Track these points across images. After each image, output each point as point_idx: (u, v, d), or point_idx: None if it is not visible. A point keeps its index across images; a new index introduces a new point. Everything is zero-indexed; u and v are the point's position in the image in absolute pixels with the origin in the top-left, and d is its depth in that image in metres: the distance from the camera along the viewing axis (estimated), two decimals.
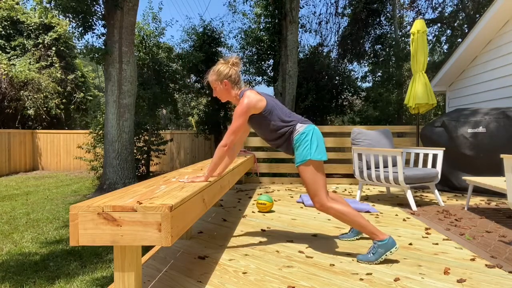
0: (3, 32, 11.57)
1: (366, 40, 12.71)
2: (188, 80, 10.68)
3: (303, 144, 2.13)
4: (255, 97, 2.14)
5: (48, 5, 6.41)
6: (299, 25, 11.08)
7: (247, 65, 10.94)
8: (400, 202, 4.02)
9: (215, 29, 10.90)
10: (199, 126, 10.86)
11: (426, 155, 5.56)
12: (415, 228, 2.88)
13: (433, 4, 13.86)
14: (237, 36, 10.95)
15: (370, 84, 13.66)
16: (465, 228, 2.85)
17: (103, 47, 6.56)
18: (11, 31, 11.68)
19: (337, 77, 10.97)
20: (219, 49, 11.14)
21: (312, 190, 2.13)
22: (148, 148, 8.68)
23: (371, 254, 2.06)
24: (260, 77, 11.12)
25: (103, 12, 6.52)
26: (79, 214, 1.39)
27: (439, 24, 14.07)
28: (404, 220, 3.15)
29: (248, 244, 2.45)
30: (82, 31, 6.52)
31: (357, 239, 2.52)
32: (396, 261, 2.10)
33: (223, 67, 2.23)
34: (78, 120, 13.85)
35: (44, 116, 11.44)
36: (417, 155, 5.64)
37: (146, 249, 3.21)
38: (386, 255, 2.03)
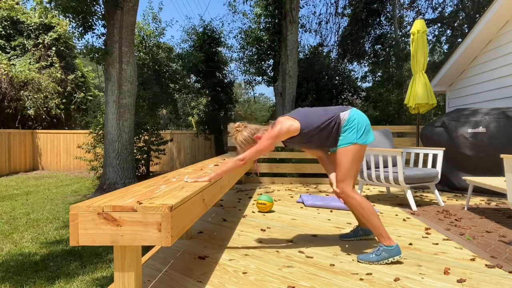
0: (3, 32, 11.57)
1: (366, 40, 12.70)
2: (188, 80, 10.69)
3: (350, 128, 2.10)
4: (287, 122, 2.13)
5: (48, 5, 6.41)
6: (299, 25, 11.08)
7: (247, 65, 10.94)
8: (400, 202, 4.02)
9: (215, 29, 10.90)
10: (199, 126, 10.87)
11: (426, 155, 5.56)
12: (415, 228, 2.88)
13: (433, 4, 13.87)
14: (237, 36, 10.95)
15: (370, 84, 13.66)
16: (465, 228, 2.85)
17: (103, 47, 6.56)
18: (11, 31, 11.68)
19: (337, 77, 10.97)
20: (219, 49, 11.14)
21: (343, 174, 2.12)
22: (148, 148, 8.68)
23: (374, 255, 2.06)
24: (260, 77, 11.11)
25: (103, 12, 6.52)
26: (79, 214, 1.39)
27: (439, 24, 14.08)
28: (404, 220, 3.15)
29: (248, 244, 2.45)
30: (82, 31, 6.52)
31: (357, 239, 2.52)
32: (396, 261, 2.10)
33: (240, 135, 2.23)
34: (78, 120, 13.85)
35: (44, 116, 11.44)
36: (417, 155, 5.64)
37: (146, 249, 3.21)
38: (388, 260, 2.03)
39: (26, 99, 10.84)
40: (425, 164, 5.33)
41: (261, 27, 10.07)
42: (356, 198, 2.11)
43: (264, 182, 5.74)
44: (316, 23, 13.74)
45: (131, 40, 6.55)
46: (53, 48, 11.81)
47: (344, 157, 2.11)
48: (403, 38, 12.52)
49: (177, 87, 9.87)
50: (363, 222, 2.39)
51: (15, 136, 10.03)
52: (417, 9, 13.74)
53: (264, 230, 2.82)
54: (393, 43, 12.05)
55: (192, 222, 1.72)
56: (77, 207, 1.39)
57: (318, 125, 2.14)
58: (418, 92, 4.88)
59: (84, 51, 6.41)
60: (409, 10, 13.84)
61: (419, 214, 3.37)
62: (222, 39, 11.09)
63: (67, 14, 6.29)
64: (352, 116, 2.13)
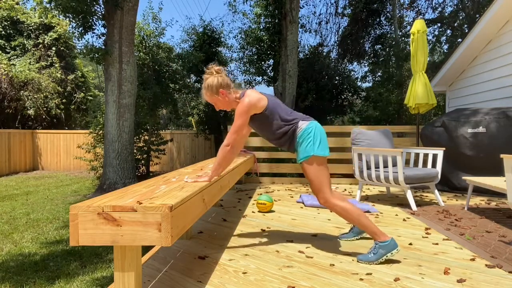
0: (3, 32, 11.57)
1: (366, 40, 12.71)
2: (188, 80, 10.69)
3: (306, 140, 2.14)
4: (256, 95, 2.15)
5: (48, 5, 6.40)
6: (299, 25, 11.09)
7: (247, 65, 10.94)
8: (400, 202, 4.02)
9: (215, 29, 10.90)
10: (199, 126, 10.86)
11: (426, 155, 5.56)
12: (415, 228, 2.88)
13: (433, 4, 13.88)
14: (237, 36, 10.95)
15: (370, 84, 13.67)
16: (465, 228, 2.85)
17: (103, 47, 6.56)
18: (11, 31, 11.69)
19: (337, 77, 10.97)
20: (219, 49, 11.14)
21: (316, 186, 2.14)
22: (148, 148, 8.68)
23: (372, 254, 2.06)
24: (260, 77, 11.12)
25: (103, 12, 6.52)
26: (79, 214, 1.39)
27: (439, 24, 14.08)
28: (404, 220, 3.15)
29: (248, 244, 2.45)
30: (82, 31, 6.52)
31: (357, 239, 2.52)
32: (396, 261, 2.10)
33: (211, 79, 2.20)
34: (78, 120, 13.85)
35: (44, 116, 11.44)
36: (417, 155, 5.64)
37: (146, 249, 3.21)
38: (386, 256, 2.03)
39: (26, 99, 10.84)
40: (425, 164, 5.33)
41: (261, 27, 10.07)
42: (339, 204, 2.12)
43: (264, 182, 5.74)
44: (316, 23, 13.76)
45: (131, 40, 6.55)
46: (53, 48, 11.81)
47: (310, 170, 2.14)
48: (403, 38, 12.53)
49: (177, 87, 9.86)
50: None
51: (15, 136, 10.03)
52: (417, 9, 13.75)
53: (264, 230, 2.82)
54: (393, 43, 12.05)
55: (192, 222, 1.72)
56: (77, 207, 1.39)
57: (279, 118, 2.18)
58: (418, 92, 4.88)
59: (84, 51, 6.41)
60: (409, 10, 13.85)
61: (419, 214, 3.37)
62: (222, 39, 11.09)
63: (67, 14, 6.29)
64: (309, 127, 2.16)
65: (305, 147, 2.14)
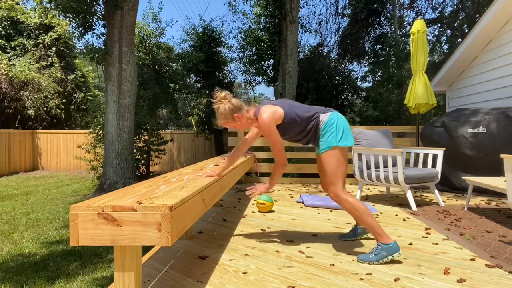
0: (3, 32, 11.56)
1: (366, 40, 12.72)
2: (188, 80, 10.69)
3: (329, 131, 2.15)
4: (270, 110, 2.14)
5: (48, 5, 6.40)
6: (299, 25, 11.08)
7: (247, 65, 10.93)
8: (400, 202, 4.02)
9: (215, 29, 10.90)
10: (199, 126, 10.86)
11: (426, 155, 5.56)
12: (415, 228, 2.88)
13: (433, 4, 13.89)
14: (237, 36, 10.95)
15: (370, 84, 13.66)
16: (465, 228, 2.85)
17: (103, 47, 6.56)
18: (11, 31, 11.68)
19: (337, 77, 10.97)
20: (219, 49, 11.14)
21: (330, 178, 2.15)
22: (148, 148, 8.68)
23: (373, 255, 2.06)
24: (260, 77, 11.12)
25: (103, 12, 6.52)
26: (79, 214, 1.39)
27: (439, 24, 14.08)
28: (404, 220, 3.15)
29: (248, 244, 2.45)
30: (82, 31, 6.52)
31: (357, 239, 2.52)
32: (396, 261, 2.10)
33: (222, 107, 2.20)
34: (78, 120, 13.84)
35: (44, 116, 11.44)
36: (417, 155, 5.64)
37: (146, 249, 3.21)
38: (387, 259, 2.03)
39: (26, 99, 10.84)
40: (425, 164, 5.33)
41: (261, 27, 10.07)
42: (349, 200, 2.13)
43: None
44: (316, 23, 13.77)
45: (131, 40, 6.55)
46: (53, 48, 11.80)
47: (328, 161, 2.14)
48: (403, 38, 12.53)
49: (177, 87, 9.86)
50: None
51: (15, 136, 10.03)
52: (417, 9, 13.76)
53: (264, 230, 2.82)
54: (393, 43, 12.05)
55: (192, 222, 1.72)
56: (77, 207, 1.39)
57: (300, 119, 2.19)
58: (418, 92, 4.88)
59: (84, 51, 6.40)
60: (409, 10, 13.85)
61: (419, 214, 3.37)
62: (222, 39, 11.09)
63: (67, 14, 6.29)
64: (331, 119, 2.17)
65: (327, 138, 2.14)
